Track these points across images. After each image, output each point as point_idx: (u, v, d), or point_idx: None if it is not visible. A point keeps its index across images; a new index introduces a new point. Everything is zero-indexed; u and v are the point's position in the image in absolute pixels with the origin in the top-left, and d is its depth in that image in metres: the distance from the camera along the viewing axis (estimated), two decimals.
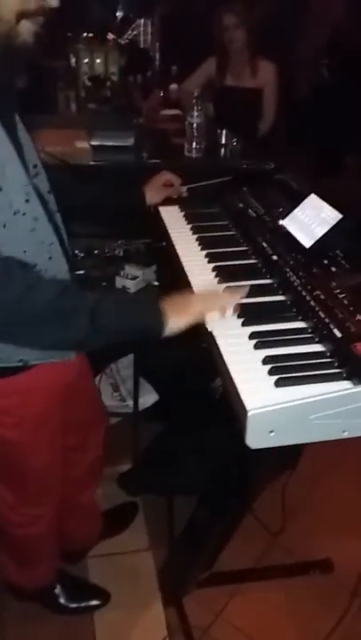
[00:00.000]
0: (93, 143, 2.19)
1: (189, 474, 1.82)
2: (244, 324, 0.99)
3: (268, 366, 0.86)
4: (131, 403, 2.15)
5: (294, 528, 1.91)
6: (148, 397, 2.15)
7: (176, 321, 0.98)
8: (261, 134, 3.13)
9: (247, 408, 0.76)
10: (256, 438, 0.78)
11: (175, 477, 1.89)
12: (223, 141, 2.40)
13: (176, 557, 1.77)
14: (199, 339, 1.07)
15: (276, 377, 0.83)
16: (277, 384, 0.81)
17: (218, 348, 0.94)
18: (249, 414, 0.76)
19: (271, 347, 0.91)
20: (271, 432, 0.78)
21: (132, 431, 2.11)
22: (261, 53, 3.05)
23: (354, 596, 1.70)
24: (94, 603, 1.67)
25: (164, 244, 1.49)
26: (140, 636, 1.62)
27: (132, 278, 1.81)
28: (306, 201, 1.31)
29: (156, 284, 1.86)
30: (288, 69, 3.42)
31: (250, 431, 0.77)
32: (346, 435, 0.81)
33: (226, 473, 1.68)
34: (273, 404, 0.76)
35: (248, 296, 1.06)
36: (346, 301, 0.99)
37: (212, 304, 1.02)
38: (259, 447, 0.79)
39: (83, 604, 1.66)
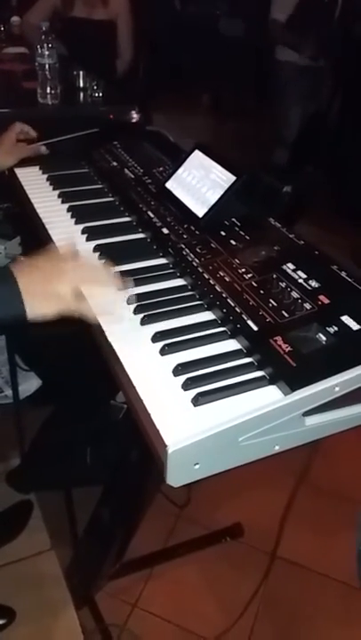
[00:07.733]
0: None
1: (87, 465, 1.67)
2: (143, 323, 0.82)
3: (182, 377, 0.71)
4: (9, 392, 1.92)
5: (200, 498, 1.86)
6: (30, 383, 1.93)
7: (40, 306, 0.75)
8: (120, 74, 2.86)
9: (166, 442, 0.62)
10: (179, 475, 0.64)
11: (71, 470, 1.73)
12: (81, 85, 2.12)
13: (83, 555, 1.63)
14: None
15: (192, 392, 0.68)
16: (196, 402, 0.67)
17: (116, 355, 0.77)
18: (170, 451, 0.61)
19: (179, 349, 0.76)
20: (196, 465, 0.64)
21: (17, 423, 1.89)
22: None
23: (272, 557, 1.70)
24: None
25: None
26: None
27: None
28: (190, 159, 1.15)
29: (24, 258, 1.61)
30: None
31: (171, 469, 0.63)
32: (278, 449, 0.69)
33: (127, 460, 1.55)
34: (197, 433, 0.62)
35: (138, 283, 0.90)
36: (254, 283, 0.86)
37: (88, 278, 0.80)
38: (182, 484, 0.65)
39: None
